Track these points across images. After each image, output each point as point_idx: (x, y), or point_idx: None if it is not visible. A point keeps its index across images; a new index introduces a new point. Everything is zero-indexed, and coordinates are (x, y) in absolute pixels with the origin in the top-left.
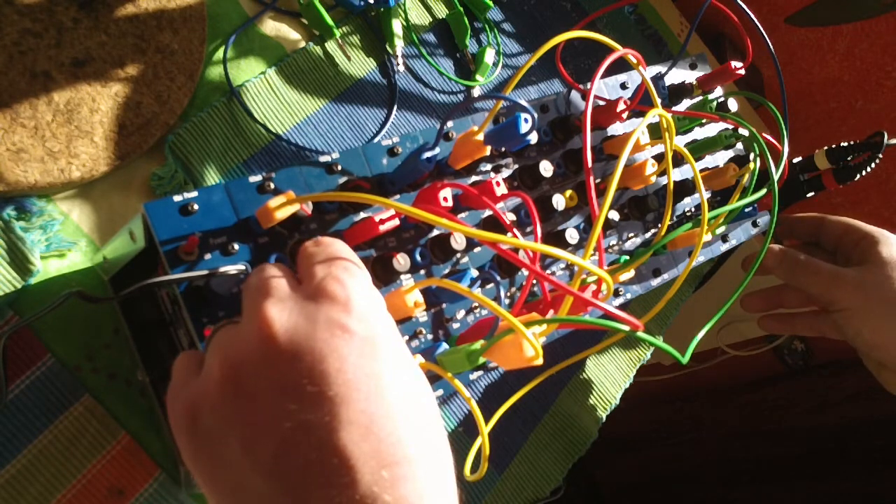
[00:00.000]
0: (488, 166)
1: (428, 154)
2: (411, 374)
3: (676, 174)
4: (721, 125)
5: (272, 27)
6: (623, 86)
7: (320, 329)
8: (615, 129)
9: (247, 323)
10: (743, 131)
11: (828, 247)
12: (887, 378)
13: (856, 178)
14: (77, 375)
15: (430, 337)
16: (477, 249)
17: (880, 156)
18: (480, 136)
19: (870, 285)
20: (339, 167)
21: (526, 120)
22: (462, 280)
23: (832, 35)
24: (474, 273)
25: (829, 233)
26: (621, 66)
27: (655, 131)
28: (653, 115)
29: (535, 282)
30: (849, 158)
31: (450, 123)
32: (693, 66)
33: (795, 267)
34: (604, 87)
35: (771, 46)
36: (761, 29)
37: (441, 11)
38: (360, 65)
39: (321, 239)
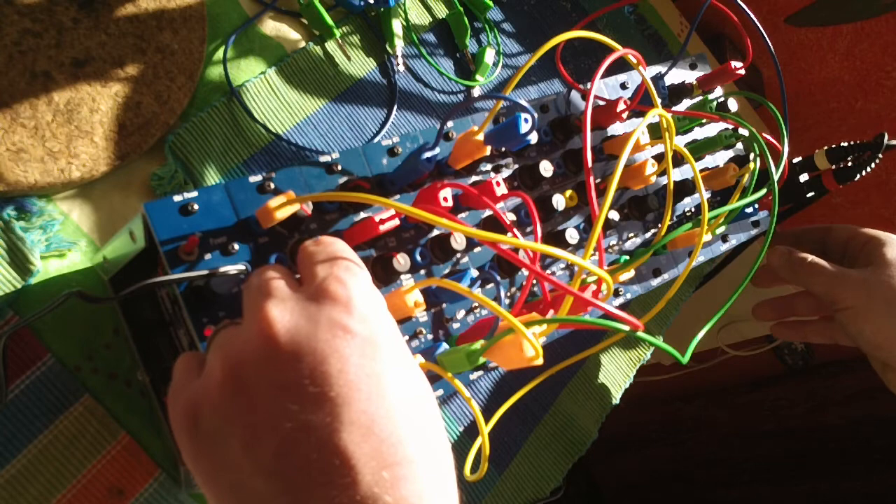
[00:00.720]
0: (488, 166)
1: (428, 154)
2: (412, 375)
3: (676, 174)
4: (721, 125)
5: (272, 27)
6: (623, 86)
7: (322, 329)
8: (615, 129)
9: (248, 323)
10: (743, 131)
11: (835, 252)
12: (891, 378)
13: (856, 178)
14: (77, 375)
15: (430, 337)
16: (477, 249)
17: (880, 156)
18: (480, 136)
19: (873, 285)
20: (339, 167)
21: (526, 120)
22: (462, 280)
23: (832, 35)
24: (474, 273)
25: (835, 238)
26: (621, 66)
27: (655, 131)
28: (653, 115)
29: (535, 282)
30: (849, 158)
31: (450, 123)
32: (693, 66)
33: (799, 266)
34: (604, 87)
35: (771, 46)
36: (761, 29)
37: (441, 11)
38: (360, 65)
39: (321, 238)
